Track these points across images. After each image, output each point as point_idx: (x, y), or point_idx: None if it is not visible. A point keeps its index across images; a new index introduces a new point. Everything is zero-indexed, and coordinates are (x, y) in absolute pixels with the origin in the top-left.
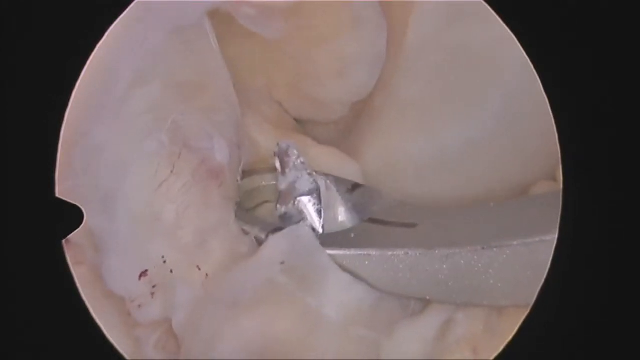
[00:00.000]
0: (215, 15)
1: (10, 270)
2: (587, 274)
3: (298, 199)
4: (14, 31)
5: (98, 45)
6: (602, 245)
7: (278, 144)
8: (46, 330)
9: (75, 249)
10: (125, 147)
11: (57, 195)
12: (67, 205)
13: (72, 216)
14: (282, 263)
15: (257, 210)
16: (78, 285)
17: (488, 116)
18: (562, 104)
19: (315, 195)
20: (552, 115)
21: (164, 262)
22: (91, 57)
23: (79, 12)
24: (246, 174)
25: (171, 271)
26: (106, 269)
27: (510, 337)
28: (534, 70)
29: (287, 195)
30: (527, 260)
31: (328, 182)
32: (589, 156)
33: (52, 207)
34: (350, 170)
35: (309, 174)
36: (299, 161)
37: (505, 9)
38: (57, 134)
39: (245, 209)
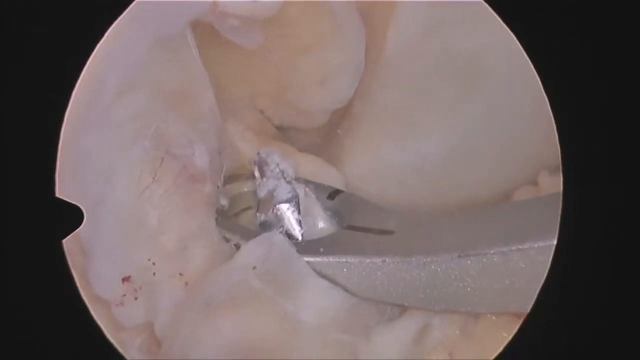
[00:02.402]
0: (198, 26)
1: (9, 270)
2: (573, 282)
3: (277, 206)
4: (14, 32)
5: (98, 45)
6: (589, 253)
7: (258, 153)
8: (46, 329)
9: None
10: (111, 154)
11: (57, 195)
12: (67, 205)
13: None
14: (254, 268)
15: (239, 216)
16: (78, 284)
17: (470, 123)
18: (561, 106)
19: (294, 203)
20: (552, 116)
21: (147, 267)
22: (89, 60)
23: (79, 12)
24: (228, 180)
25: (154, 274)
26: (92, 274)
27: (487, 343)
28: (536, 74)
29: (267, 203)
30: (503, 269)
31: (307, 189)
32: (586, 162)
33: (52, 207)
34: (331, 177)
35: (288, 182)
36: (277, 169)
37: (505, 9)
38: (57, 133)
39: (227, 216)
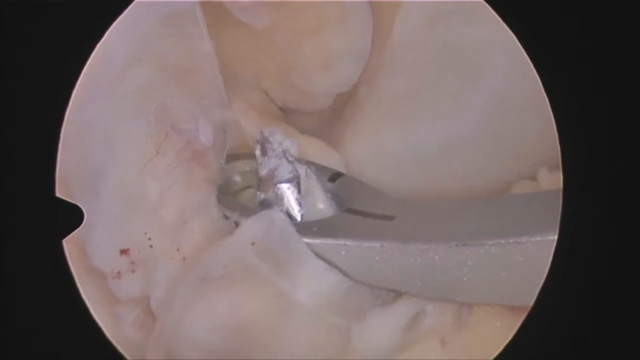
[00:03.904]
0: (208, 4)
1: (9, 270)
2: (573, 279)
3: (278, 185)
4: (15, 34)
5: (98, 45)
6: (590, 250)
7: (261, 132)
8: (46, 329)
9: None
10: (115, 125)
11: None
12: (67, 205)
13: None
14: (253, 244)
15: (240, 195)
16: (78, 284)
17: (471, 114)
18: (561, 105)
19: (294, 183)
20: (551, 113)
21: (146, 240)
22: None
23: (79, 12)
24: (230, 158)
25: (151, 247)
26: (90, 245)
27: (480, 331)
28: (534, 69)
29: (267, 182)
30: (500, 261)
31: (308, 170)
32: (586, 158)
33: (52, 207)
34: (332, 161)
35: (289, 162)
36: (279, 149)
37: (505, 9)
38: (57, 133)
39: (227, 194)
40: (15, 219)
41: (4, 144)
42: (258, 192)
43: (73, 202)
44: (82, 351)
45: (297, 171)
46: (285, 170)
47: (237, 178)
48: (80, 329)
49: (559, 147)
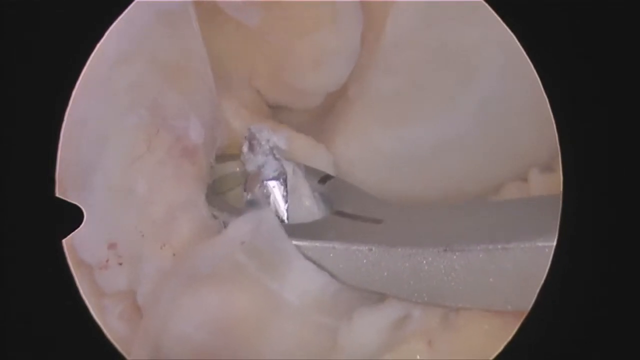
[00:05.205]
0: (201, 3)
1: (9, 270)
2: (561, 282)
3: (265, 183)
4: (15, 34)
5: (98, 45)
6: (582, 257)
7: (249, 128)
8: (45, 329)
9: None
10: (106, 121)
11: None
12: (67, 205)
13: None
14: (243, 243)
15: (228, 195)
16: (78, 284)
17: (466, 115)
18: (559, 104)
19: (281, 180)
20: (551, 114)
21: (134, 234)
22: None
23: (79, 12)
24: (220, 159)
25: (140, 243)
26: (78, 238)
27: (467, 333)
28: (534, 70)
29: (254, 179)
30: (488, 267)
31: (295, 167)
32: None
33: (52, 207)
34: (321, 159)
35: (277, 159)
36: (267, 146)
37: (505, 9)
38: (57, 132)
39: (216, 193)
40: (13, 217)
41: (4, 143)
42: (245, 192)
43: (63, 197)
44: (79, 347)
45: (283, 168)
46: (271, 167)
47: (227, 178)
48: (79, 325)
49: (559, 147)
